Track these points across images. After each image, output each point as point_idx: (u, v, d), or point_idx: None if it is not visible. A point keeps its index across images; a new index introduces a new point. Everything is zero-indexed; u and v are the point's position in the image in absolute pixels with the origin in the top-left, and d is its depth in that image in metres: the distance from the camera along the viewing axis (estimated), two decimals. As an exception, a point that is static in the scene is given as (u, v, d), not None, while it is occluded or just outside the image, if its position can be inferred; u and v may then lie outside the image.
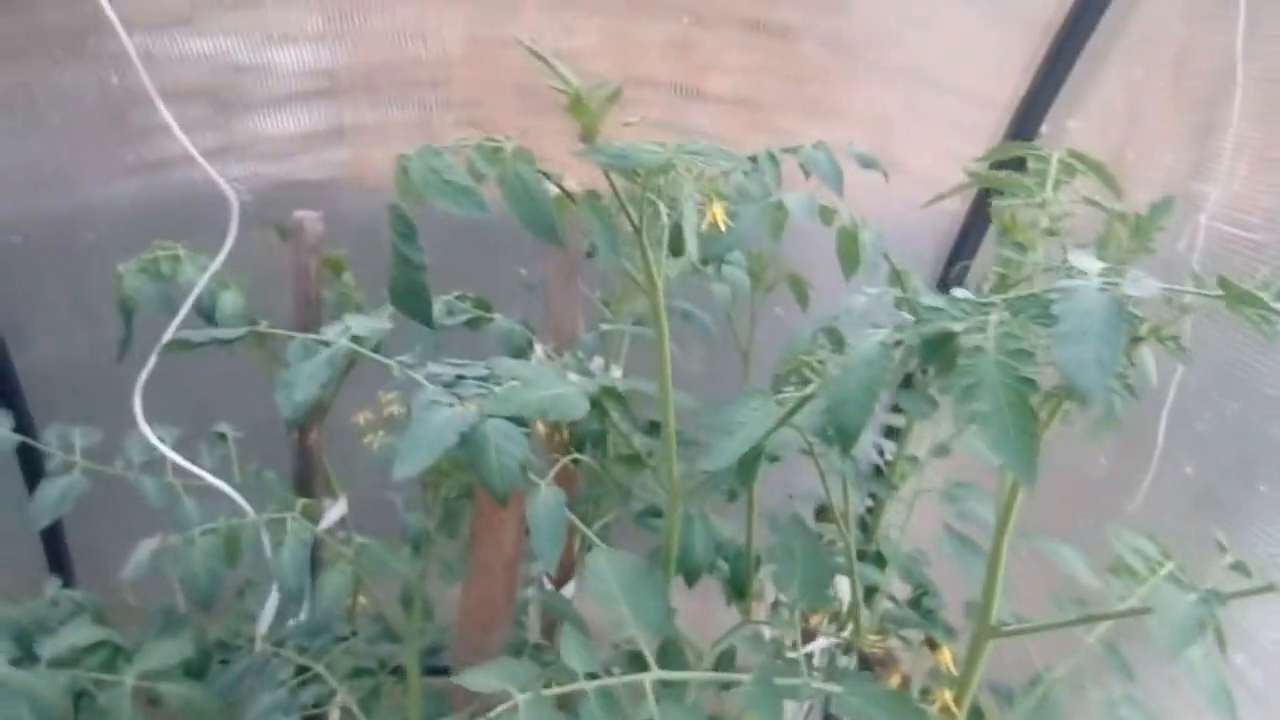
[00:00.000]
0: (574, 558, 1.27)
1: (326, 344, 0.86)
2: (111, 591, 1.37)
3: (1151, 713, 0.80)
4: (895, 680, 0.78)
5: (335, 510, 1.39)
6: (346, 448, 1.42)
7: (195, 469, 1.04)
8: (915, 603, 0.98)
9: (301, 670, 1.18)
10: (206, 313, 1.24)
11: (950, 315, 0.53)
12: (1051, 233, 0.66)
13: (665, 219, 0.67)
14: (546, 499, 0.80)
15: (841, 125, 1.64)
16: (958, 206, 1.55)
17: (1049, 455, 0.77)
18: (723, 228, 0.70)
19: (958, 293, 0.56)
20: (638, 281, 0.71)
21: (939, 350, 0.54)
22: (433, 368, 0.87)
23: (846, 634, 0.99)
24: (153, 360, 1.00)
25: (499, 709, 0.62)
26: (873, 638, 0.84)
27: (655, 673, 0.67)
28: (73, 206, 1.68)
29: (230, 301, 1.25)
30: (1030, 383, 0.49)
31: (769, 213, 0.88)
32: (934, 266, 1.59)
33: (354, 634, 1.28)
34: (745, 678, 0.69)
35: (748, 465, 0.71)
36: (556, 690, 0.64)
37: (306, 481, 1.38)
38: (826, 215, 0.96)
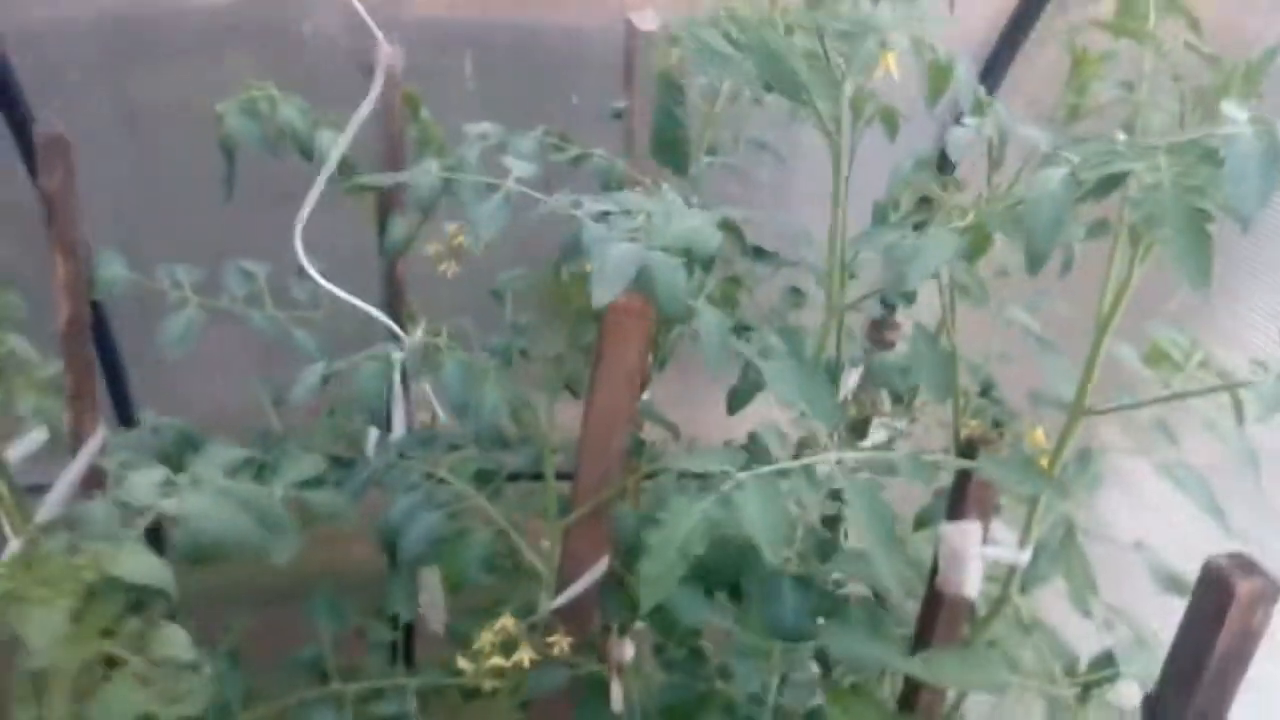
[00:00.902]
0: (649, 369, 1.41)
1: (495, 186, 0.95)
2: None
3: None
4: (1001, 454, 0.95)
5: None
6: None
7: (348, 297, 1.14)
8: (983, 394, 1.16)
9: (427, 477, 1.33)
10: (307, 153, 1.30)
11: (1124, 157, 0.66)
12: (1176, 77, 0.77)
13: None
14: (711, 318, 0.93)
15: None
16: (984, 34, 1.63)
17: (1097, 268, 0.92)
18: (896, 76, 0.80)
19: (1120, 136, 0.69)
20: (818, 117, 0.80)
21: (1113, 186, 0.67)
22: (587, 205, 0.97)
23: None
24: (311, 202, 1.07)
25: (726, 485, 0.77)
26: (972, 423, 1.00)
27: (835, 453, 0.82)
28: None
29: (329, 139, 1.31)
30: (1204, 211, 0.62)
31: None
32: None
33: (459, 446, 1.43)
34: (898, 455, 0.85)
35: (915, 289, 0.84)
36: (772, 468, 0.79)
37: (394, 309, 1.49)
38: (921, 48, 1.05)
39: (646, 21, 1.18)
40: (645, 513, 1.03)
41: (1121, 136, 0.69)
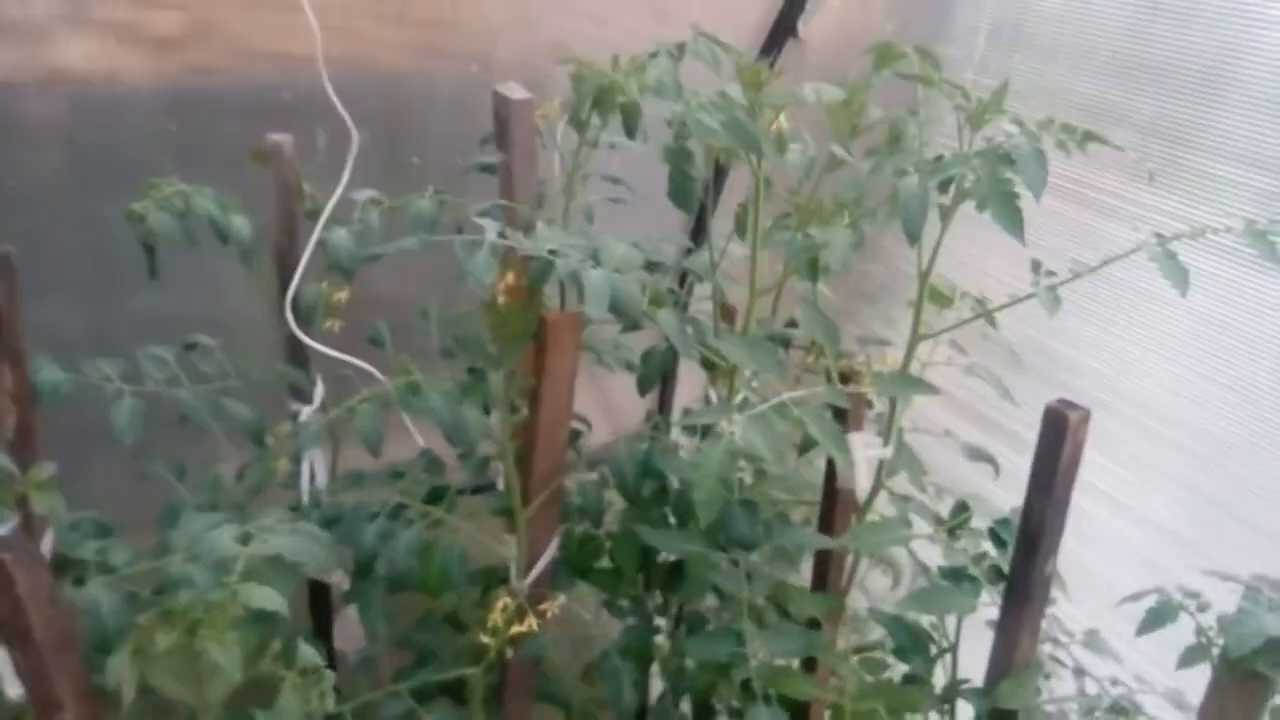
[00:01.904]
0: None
1: (478, 241, 1.18)
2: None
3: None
4: (867, 381, 1.33)
5: (319, 390, 1.65)
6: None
7: (332, 351, 1.30)
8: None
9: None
10: (223, 236, 1.43)
11: (952, 165, 1.05)
12: (957, 106, 1.17)
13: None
14: (669, 316, 1.22)
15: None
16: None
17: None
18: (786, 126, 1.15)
19: (946, 154, 1.07)
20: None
21: (949, 184, 1.05)
22: (545, 245, 1.22)
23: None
24: (297, 278, 1.23)
25: (736, 420, 1.07)
26: (842, 361, 1.37)
27: (788, 394, 1.15)
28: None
29: (240, 223, 1.45)
30: (1015, 193, 1.01)
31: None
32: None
33: (402, 475, 1.60)
34: (820, 390, 1.20)
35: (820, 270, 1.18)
36: (753, 410, 1.10)
37: (302, 366, 1.64)
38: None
39: (516, 92, 1.45)
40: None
41: (946, 155, 1.08)
